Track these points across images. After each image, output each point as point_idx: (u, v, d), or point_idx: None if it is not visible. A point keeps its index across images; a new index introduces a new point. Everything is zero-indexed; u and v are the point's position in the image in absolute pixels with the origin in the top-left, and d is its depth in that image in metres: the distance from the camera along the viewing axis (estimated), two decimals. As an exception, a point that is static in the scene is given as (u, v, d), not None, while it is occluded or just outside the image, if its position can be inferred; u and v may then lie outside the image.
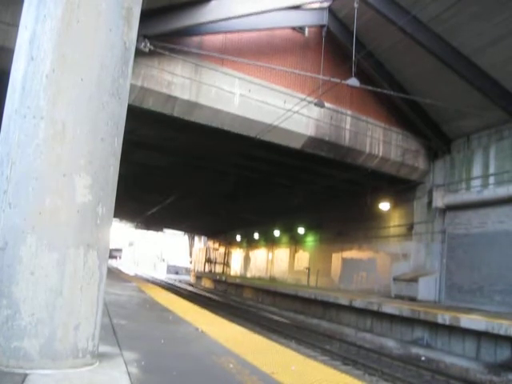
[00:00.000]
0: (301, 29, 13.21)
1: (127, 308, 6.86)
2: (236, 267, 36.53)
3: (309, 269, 22.77)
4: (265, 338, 5.36)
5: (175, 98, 10.68)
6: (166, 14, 9.91)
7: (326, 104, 11.97)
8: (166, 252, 60.11)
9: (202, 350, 3.97)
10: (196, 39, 11.20)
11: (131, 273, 38.44)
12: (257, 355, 3.91)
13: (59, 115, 2.73)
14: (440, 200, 14.18)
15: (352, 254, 19.48)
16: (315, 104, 11.19)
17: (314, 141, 12.76)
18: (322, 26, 13.27)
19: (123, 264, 71.98)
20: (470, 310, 11.57)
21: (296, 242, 25.04)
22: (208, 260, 42.93)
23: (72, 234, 2.71)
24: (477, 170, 13.59)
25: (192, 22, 10.24)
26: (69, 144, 2.74)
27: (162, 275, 49.94)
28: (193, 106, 10.93)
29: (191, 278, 43.19)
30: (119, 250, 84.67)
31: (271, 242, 28.73)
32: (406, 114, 14.38)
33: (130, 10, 3.05)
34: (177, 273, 54.79)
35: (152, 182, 20.84)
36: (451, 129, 14.39)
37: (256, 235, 31.21)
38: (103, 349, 3.30)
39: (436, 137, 14.64)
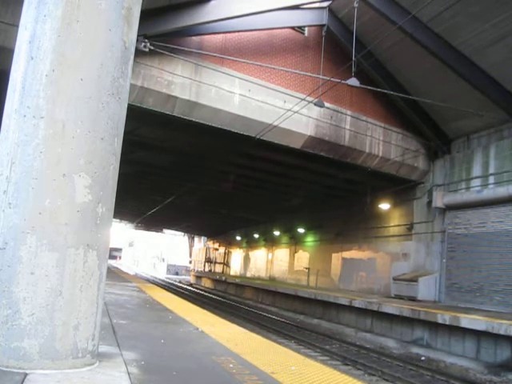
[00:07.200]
0: (300, 28, 13.21)
1: (127, 308, 6.86)
2: (236, 267, 36.53)
3: (308, 269, 22.77)
4: (265, 338, 5.36)
5: (175, 98, 10.68)
6: (166, 14, 9.91)
7: (326, 104, 11.98)
8: (166, 252, 60.11)
9: (202, 349, 3.97)
10: (196, 39, 11.20)
11: (131, 273, 38.43)
12: (257, 355, 3.91)
13: (59, 115, 2.73)
14: (440, 200, 14.18)
15: (352, 253, 19.48)
16: (315, 104, 11.18)
17: (313, 140, 12.76)
18: (321, 26, 13.26)
19: (123, 264, 72.04)
20: (469, 310, 11.57)
21: (296, 241, 25.04)
22: (208, 260, 42.96)
23: (72, 234, 2.71)
24: (476, 170, 13.59)
25: (192, 22, 10.24)
26: (69, 144, 2.74)
27: (162, 275, 49.92)
28: (193, 105, 10.93)
29: (191, 278, 43.18)
30: (119, 250, 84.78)
31: (271, 242, 28.73)
32: (405, 113, 14.38)
33: (129, 10, 3.05)
34: (177, 273, 54.80)
35: (152, 181, 20.83)
36: (451, 129, 14.39)
37: (256, 235, 31.22)
38: (103, 349, 3.31)
39: (436, 137, 14.65)
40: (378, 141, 13.98)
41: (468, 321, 9.65)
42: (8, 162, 2.70)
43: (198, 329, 5.20)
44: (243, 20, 11.19)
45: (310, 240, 23.76)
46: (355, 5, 10.62)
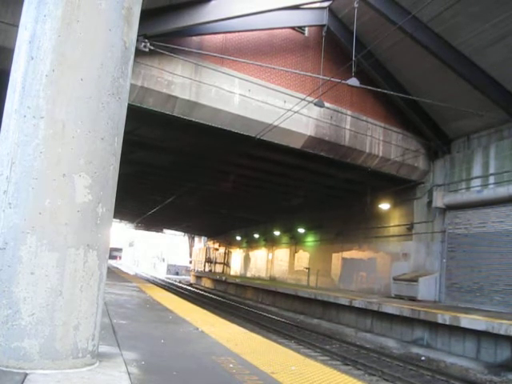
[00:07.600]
0: (301, 28, 13.21)
1: (127, 308, 6.86)
2: (236, 267, 36.53)
3: (309, 269, 22.77)
4: (265, 338, 5.36)
5: (175, 98, 10.68)
6: (166, 14, 9.91)
7: (326, 104, 11.98)
8: (166, 252, 60.13)
9: (202, 349, 3.97)
10: (196, 39, 11.20)
11: (131, 273, 38.42)
12: (257, 355, 3.91)
13: (59, 115, 2.73)
14: (440, 200, 14.18)
15: (352, 253, 19.48)
16: (315, 104, 11.18)
17: (313, 140, 12.76)
18: (321, 26, 13.26)
19: (123, 264, 72.05)
20: (469, 310, 11.57)
21: (296, 241, 25.04)
22: (208, 260, 42.97)
23: (72, 234, 2.71)
24: (477, 170, 13.59)
25: (192, 22, 10.24)
26: (69, 144, 2.74)
27: (162, 275, 49.92)
28: (193, 105, 10.93)
29: (191, 278, 43.18)
30: (119, 250, 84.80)
31: (271, 242, 28.73)
32: (405, 113, 14.38)
33: (129, 10, 3.05)
34: (177, 273, 54.79)
35: (152, 181, 20.83)
36: (451, 129, 14.39)
37: (256, 235, 31.22)
38: (103, 349, 3.30)
39: (436, 137, 14.65)
40: (378, 141, 13.98)
41: (468, 321, 9.65)
42: (8, 161, 2.70)
43: (198, 329, 5.20)
44: (243, 20, 11.19)
45: (310, 240, 23.76)
46: (355, 5, 10.63)
